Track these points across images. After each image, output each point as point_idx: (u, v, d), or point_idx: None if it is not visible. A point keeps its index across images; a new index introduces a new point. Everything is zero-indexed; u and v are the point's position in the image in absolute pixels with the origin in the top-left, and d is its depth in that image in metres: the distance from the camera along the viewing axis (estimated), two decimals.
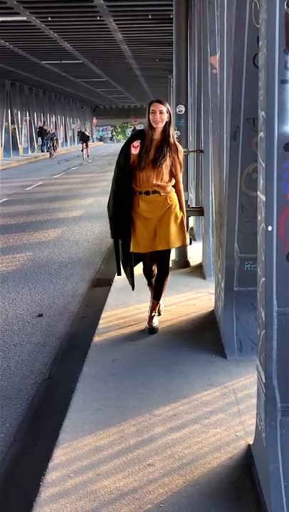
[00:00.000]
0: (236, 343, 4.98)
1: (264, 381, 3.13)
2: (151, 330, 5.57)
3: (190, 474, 3.42)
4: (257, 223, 3.26)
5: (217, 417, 4.05)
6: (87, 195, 18.07)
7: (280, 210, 2.96)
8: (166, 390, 4.44)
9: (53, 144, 39.07)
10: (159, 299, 5.76)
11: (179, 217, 5.52)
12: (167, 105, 5.37)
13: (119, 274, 5.79)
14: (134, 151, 5.37)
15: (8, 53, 23.28)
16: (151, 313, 5.69)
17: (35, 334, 6.24)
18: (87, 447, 3.74)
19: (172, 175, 5.47)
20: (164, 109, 5.32)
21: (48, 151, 39.52)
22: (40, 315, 6.83)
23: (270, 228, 2.97)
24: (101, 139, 74.37)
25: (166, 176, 5.43)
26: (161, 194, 5.44)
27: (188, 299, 6.56)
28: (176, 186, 5.54)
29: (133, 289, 5.74)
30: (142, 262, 5.77)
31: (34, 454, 4.04)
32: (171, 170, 5.44)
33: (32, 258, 9.76)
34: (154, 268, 5.79)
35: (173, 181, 5.49)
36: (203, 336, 5.47)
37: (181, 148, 5.51)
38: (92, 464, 3.56)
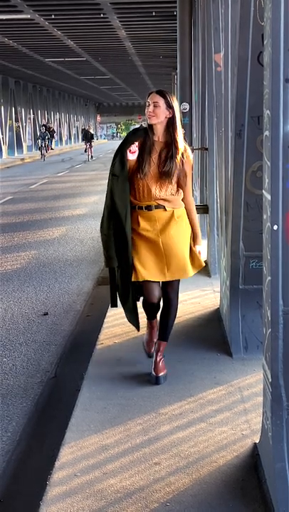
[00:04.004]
0: (242, 342, 4.98)
1: (270, 380, 3.13)
2: (156, 379, 4.53)
3: (196, 473, 3.43)
4: (262, 222, 3.26)
5: (223, 416, 4.06)
6: (92, 193, 18.07)
7: (285, 209, 2.95)
8: (172, 389, 4.44)
9: (45, 144, 35.19)
10: (166, 339, 4.63)
11: (190, 234, 4.51)
12: (169, 98, 4.31)
13: (114, 305, 4.68)
14: (131, 155, 4.32)
15: (12, 51, 23.30)
16: (156, 357, 4.58)
17: (40, 333, 6.25)
18: (93, 446, 3.75)
19: (180, 186, 4.47)
20: (162, 102, 4.28)
21: (39, 150, 35.50)
22: (46, 313, 6.84)
23: (275, 227, 2.97)
24: (113, 136, 74.15)
25: (173, 187, 4.40)
26: (167, 209, 4.40)
27: (194, 297, 6.56)
28: (185, 204, 4.53)
29: (138, 330, 4.75)
30: (143, 295, 4.61)
31: (40, 453, 4.05)
32: (178, 180, 4.42)
33: (37, 256, 9.77)
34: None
35: (181, 194, 4.48)
36: (209, 335, 5.47)
37: (190, 158, 4.46)
38: (98, 463, 3.57)
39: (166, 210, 4.40)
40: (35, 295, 7.58)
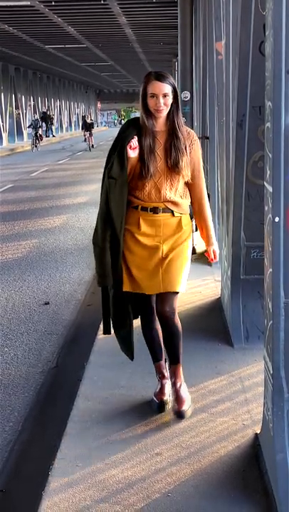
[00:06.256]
0: (243, 332, 4.99)
1: (271, 372, 3.14)
2: (178, 414, 3.88)
3: (197, 463, 3.44)
4: (263, 212, 3.26)
5: (224, 406, 4.07)
6: (93, 181, 18.02)
7: (287, 201, 2.95)
8: None
9: (37, 133, 32.02)
10: (178, 360, 3.99)
11: (189, 253, 3.95)
12: (171, 79, 3.71)
13: (107, 331, 4.07)
14: (133, 153, 3.68)
15: (12, 38, 23.18)
16: (175, 385, 3.95)
17: (41, 322, 6.26)
18: (94, 436, 3.76)
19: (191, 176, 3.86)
20: (169, 89, 3.66)
21: (35, 140, 32.09)
22: (47, 303, 6.85)
23: (277, 219, 2.97)
24: (115, 124, 73.75)
25: (181, 186, 3.82)
26: (175, 214, 3.82)
27: (194, 287, 6.55)
28: (197, 200, 3.92)
29: (132, 359, 4.10)
30: (140, 318, 4.08)
31: (42, 443, 4.06)
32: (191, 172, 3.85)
33: (38, 245, 9.77)
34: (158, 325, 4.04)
35: (188, 197, 3.89)
36: (210, 324, 5.48)
37: (195, 138, 3.89)
38: (100, 453, 3.58)
39: (174, 215, 3.81)
40: (36, 284, 7.59)
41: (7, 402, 4.59)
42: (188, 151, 3.79)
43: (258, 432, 3.62)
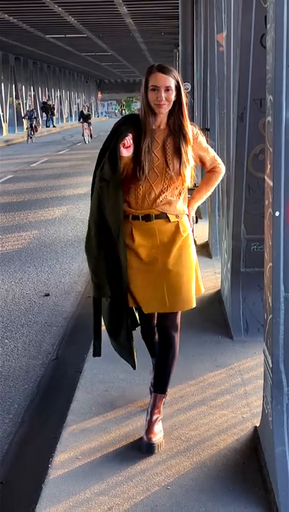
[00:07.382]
0: (243, 324, 5.00)
1: (271, 365, 3.15)
2: (148, 446, 3.47)
3: (197, 456, 3.46)
4: (263, 205, 3.26)
5: (224, 399, 4.08)
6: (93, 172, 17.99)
7: (287, 196, 2.94)
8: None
9: (32, 125, 30.65)
10: (164, 390, 3.66)
11: (195, 257, 3.58)
12: (175, 73, 3.32)
13: (97, 353, 3.75)
14: (126, 152, 3.29)
15: (12, 27, 23.10)
16: (151, 416, 3.57)
17: (42, 314, 6.27)
18: (94, 429, 3.77)
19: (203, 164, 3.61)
20: (172, 83, 3.28)
21: (30, 131, 30.92)
22: (47, 294, 6.85)
23: (277, 214, 2.96)
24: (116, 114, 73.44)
25: (180, 186, 3.43)
26: (171, 219, 3.42)
27: None
28: (208, 170, 3.65)
29: (134, 368, 3.73)
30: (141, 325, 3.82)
31: (42, 435, 4.08)
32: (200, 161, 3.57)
33: (38, 236, 9.77)
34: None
35: (186, 191, 3.50)
36: (209, 317, 5.48)
37: (197, 130, 3.50)
38: (99, 446, 3.59)
39: (169, 220, 3.42)
40: (36, 276, 7.59)
41: (7, 394, 4.60)
42: (192, 148, 3.43)
43: (258, 425, 3.63)
